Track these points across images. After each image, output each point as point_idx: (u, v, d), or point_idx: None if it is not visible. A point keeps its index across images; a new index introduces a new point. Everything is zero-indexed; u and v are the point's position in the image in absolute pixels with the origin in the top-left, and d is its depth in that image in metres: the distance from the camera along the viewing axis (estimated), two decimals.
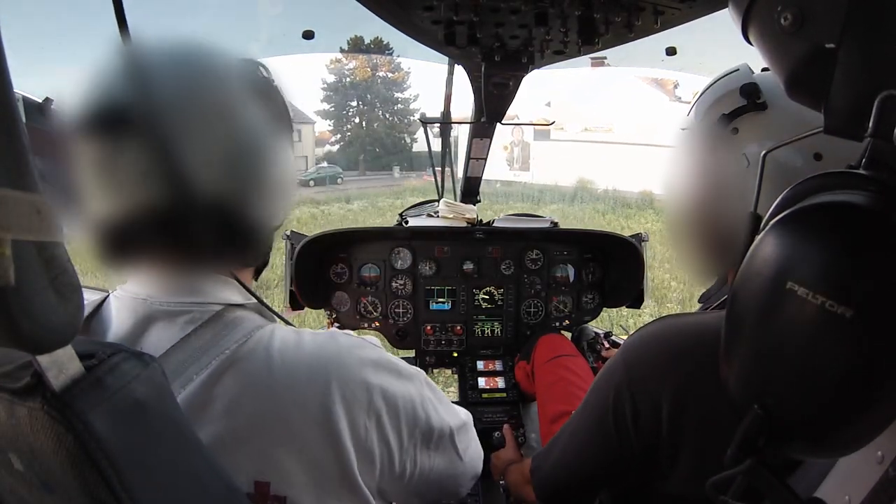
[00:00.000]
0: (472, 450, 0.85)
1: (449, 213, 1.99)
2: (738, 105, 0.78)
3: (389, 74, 26.38)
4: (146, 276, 0.63)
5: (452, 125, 2.07)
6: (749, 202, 0.70)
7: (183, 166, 0.54)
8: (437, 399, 0.75)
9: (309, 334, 0.65)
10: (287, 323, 0.74)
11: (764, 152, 0.64)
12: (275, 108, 0.66)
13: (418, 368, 0.73)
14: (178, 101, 0.55)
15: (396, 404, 0.66)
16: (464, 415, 0.85)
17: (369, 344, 0.68)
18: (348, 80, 26.35)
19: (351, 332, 0.74)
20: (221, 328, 0.60)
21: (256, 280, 0.76)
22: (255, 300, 0.68)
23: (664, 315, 0.82)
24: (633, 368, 0.77)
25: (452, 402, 0.82)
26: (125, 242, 0.58)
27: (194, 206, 0.56)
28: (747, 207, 0.70)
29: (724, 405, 0.66)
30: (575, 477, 0.91)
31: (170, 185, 0.54)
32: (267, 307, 0.70)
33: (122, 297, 0.63)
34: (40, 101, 1.07)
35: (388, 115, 26.74)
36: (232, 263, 0.67)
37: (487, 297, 2.05)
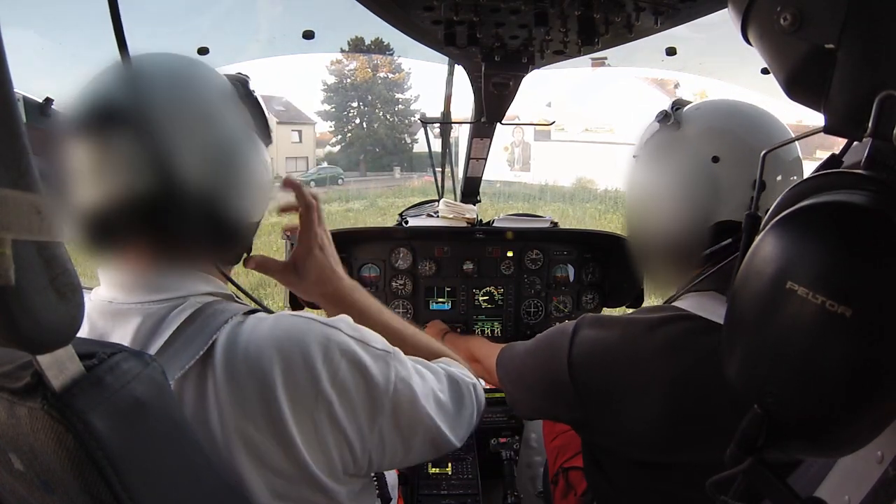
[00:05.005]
0: (470, 420, 0.77)
1: (449, 213, 1.99)
2: (657, 129, 0.94)
3: (390, 75, 26.39)
4: (113, 278, 0.64)
5: (453, 125, 2.07)
6: (690, 210, 0.86)
7: (167, 161, 0.59)
8: (411, 380, 0.68)
9: (270, 320, 0.62)
10: (261, 306, 0.72)
11: (764, 152, 0.66)
12: (256, 117, 0.73)
13: (388, 347, 0.67)
14: (166, 104, 0.62)
15: (348, 391, 0.61)
16: (455, 378, 0.77)
17: (329, 325, 0.63)
18: (349, 80, 26.34)
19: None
20: (200, 324, 0.59)
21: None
22: (226, 291, 0.68)
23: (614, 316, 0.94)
24: (575, 351, 0.87)
25: None
26: (110, 230, 0.62)
27: (175, 196, 0.60)
28: (694, 214, 0.87)
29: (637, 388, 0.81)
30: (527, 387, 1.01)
31: (155, 177, 0.59)
32: (242, 290, 0.73)
33: (94, 299, 0.64)
34: (40, 101, 1.07)
35: (388, 116, 26.73)
36: (209, 255, 0.69)
37: (487, 297, 2.05)
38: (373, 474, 0.81)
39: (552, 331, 0.96)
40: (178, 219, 0.61)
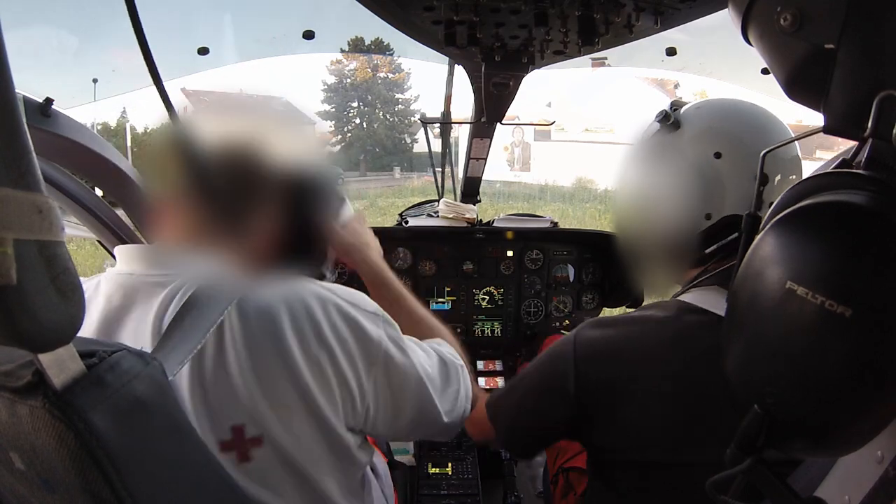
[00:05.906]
0: (457, 399, 0.82)
1: (449, 213, 1.99)
2: (657, 129, 0.94)
3: (390, 75, 26.36)
4: (133, 253, 0.69)
5: (453, 125, 2.07)
6: (688, 208, 0.87)
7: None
8: (402, 343, 0.74)
9: (274, 283, 0.68)
10: None
11: (763, 152, 0.66)
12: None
13: (379, 311, 0.73)
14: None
15: (345, 340, 0.66)
16: (444, 358, 0.82)
17: (325, 288, 0.70)
18: (349, 80, 26.32)
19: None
20: (205, 302, 0.62)
21: None
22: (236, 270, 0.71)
23: (615, 316, 0.93)
24: (580, 352, 0.87)
25: None
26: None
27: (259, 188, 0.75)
28: (690, 211, 0.87)
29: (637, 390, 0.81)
30: (526, 418, 0.97)
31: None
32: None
33: (112, 275, 0.68)
34: (40, 101, 1.07)
35: (388, 116, 26.70)
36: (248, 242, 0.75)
37: (487, 297, 2.05)
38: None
39: (552, 345, 0.95)
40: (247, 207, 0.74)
